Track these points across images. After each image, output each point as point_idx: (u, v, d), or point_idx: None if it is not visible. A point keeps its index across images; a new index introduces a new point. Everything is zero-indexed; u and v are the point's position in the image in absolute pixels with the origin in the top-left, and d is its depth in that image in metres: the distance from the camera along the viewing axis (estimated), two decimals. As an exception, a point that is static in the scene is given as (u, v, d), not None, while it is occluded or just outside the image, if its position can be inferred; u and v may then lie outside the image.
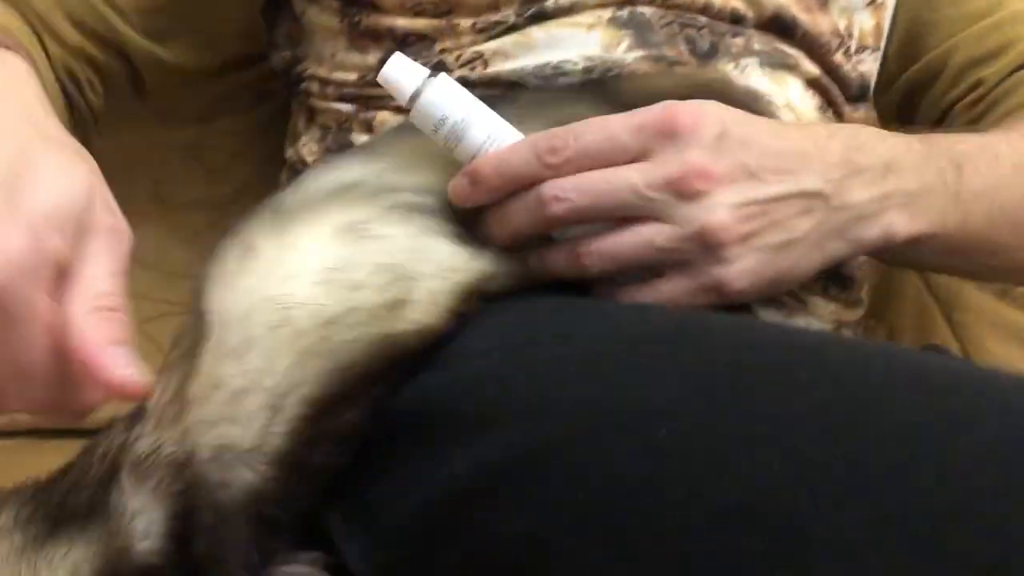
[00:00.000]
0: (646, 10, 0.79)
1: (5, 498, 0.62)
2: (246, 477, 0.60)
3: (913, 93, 0.97)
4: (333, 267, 0.63)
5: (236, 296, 0.63)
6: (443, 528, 0.60)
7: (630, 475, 0.51)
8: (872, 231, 0.68)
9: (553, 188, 0.64)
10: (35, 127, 0.58)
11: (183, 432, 0.61)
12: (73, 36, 0.80)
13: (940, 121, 0.96)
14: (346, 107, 0.83)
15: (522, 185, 0.65)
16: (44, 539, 0.59)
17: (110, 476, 0.61)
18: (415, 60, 0.71)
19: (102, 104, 0.85)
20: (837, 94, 0.88)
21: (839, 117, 0.89)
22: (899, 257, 0.75)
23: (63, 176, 0.53)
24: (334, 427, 0.63)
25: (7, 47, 0.68)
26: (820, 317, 0.81)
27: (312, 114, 0.88)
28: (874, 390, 0.50)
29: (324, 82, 0.85)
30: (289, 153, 0.91)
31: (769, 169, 0.66)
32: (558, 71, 0.77)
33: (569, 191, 0.63)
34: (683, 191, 0.63)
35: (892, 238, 0.69)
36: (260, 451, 0.61)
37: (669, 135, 0.63)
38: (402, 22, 0.80)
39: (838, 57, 0.86)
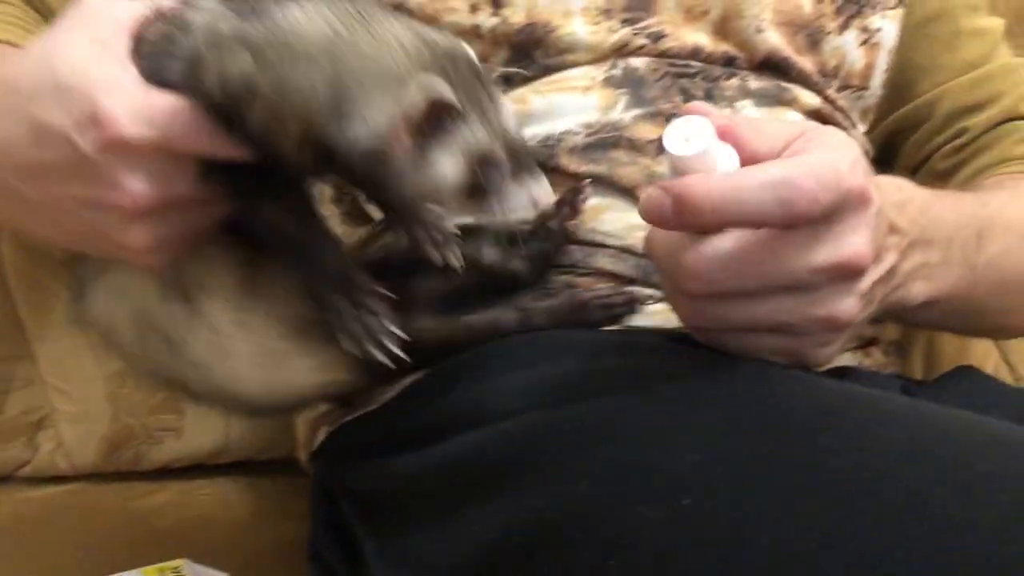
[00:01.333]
0: (638, 63, 0.80)
1: None
2: None
3: (898, 134, 0.97)
4: None
5: None
6: None
7: (656, 544, 0.53)
8: (895, 296, 0.68)
9: (722, 263, 0.57)
10: None
11: None
12: None
13: (920, 165, 0.97)
14: None
15: (742, 225, 0.57)
16: None
17: None
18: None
19: None
20: (842, 119, 0.88)
21: None
22: (899, 315, 0.74)
23: None
24: None
25: None
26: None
27: None
28: (894, 459, 0.51)
29: None
30: None
31: (884, 247, 0.63)
32: (561, 143, 0.78)
33: (732, 270, 0.58)
34: (841, 276, 0.59)
35: (908, 304, 0.69)
36: None
37: (862, 206, 0.58)
38: None
39: (831, 93, 0.87)
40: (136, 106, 0.60)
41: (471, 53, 0.61)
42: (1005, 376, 1.16)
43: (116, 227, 0.64)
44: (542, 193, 0.59)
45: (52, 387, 1.07)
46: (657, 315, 0.77)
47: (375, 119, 0.57)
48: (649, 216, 0.57)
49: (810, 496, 0.51)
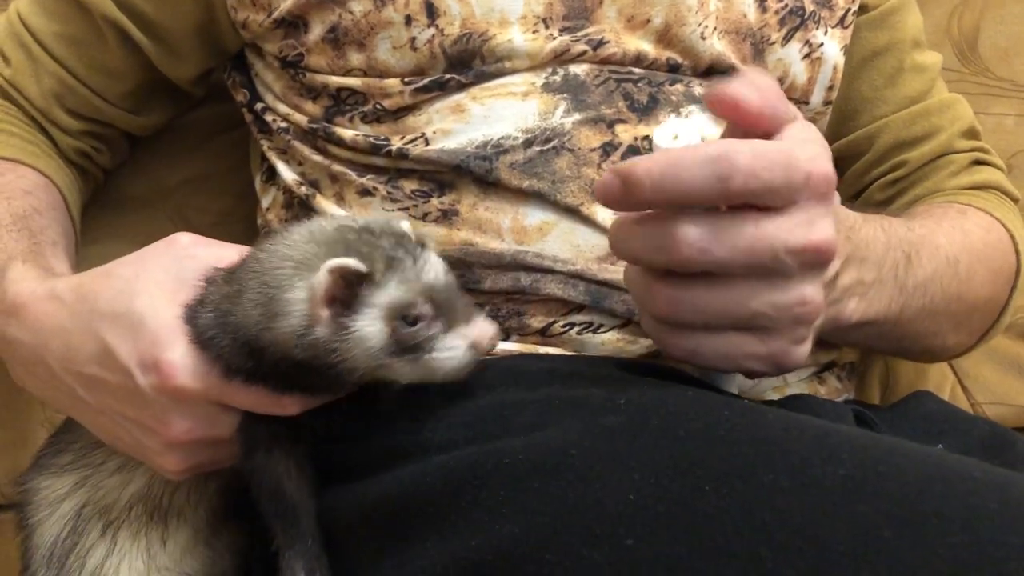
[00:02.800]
0: (579, 69, 0.79)
1: None
2: None
3: (839, 161, 0.96)
4: None
5: None
6: None
7: None
8: (833, 311, 0.67)
9: (699, 237, 0.57)
10: None
11: None
12: (72, 123, 0.93)
13: (859, 194, 0.98)
14: (307, 150, 0.84)
15: (683, 202, 0.57)
16: None
17: None
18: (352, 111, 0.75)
19: (110, 161, 1.00)
20: None
21: None
22: (831, 334, 0.73)
23: None
24: None
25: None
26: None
27: (273, 173, 0.90)
28: (840, 498, 0.50)
29: (284, 118, 0.86)
30: (259, 222, 0.94)
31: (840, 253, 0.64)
32: (499, 148, 0.77)
33: (713, 243, 0.57)
34: (811, 261, 0.58)
35: (841, 322, 0.68)
36: None
37: (825, 198, 0.58)
38: (335, 80, 0.81)
39: None
40: (196, 358, 0.65)
41: (401, 225, 0.64)
42: (961, 401, 1.16)
43: (155, 449, 0.69)
44: (480, 335, 0.60)
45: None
46: (607, 345, 0.76)
47: (294, 305, 0.61)
48: (601, 198, 0.59)
49: (754, 537, 0.49)
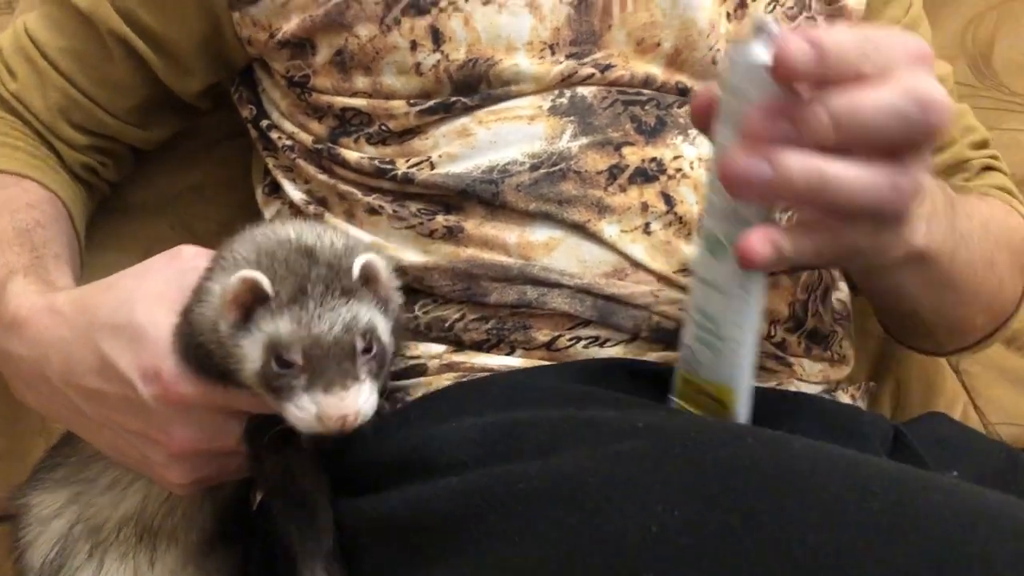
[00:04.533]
0: (586, 91, 0.78)
1: None
2: None
3: None
4: None
5: None
6: None
7: None
8: (905, 233, 0.63)
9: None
10: None
11: None
12: (78, 137, 0.92)
13: None
14: (312, 169, 0.84)
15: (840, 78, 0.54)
16: None
17: None
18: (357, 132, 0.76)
19: (116, 174, 0.99)
20: None
21: None
22: (883, 278, 0.71)
23: None
24: None
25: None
26: (810, 378, 0.80)
27: (276, 187, 0.89)
28: (876, 537, 0.47)
29: (289, 136, 0.86)
30: None
31: None
32: (505, 173, 0.76)
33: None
34: (924, 65, 0.56)
35: (910, 246, 0.65)
36: None
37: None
38: (340, 100, 0.80)
39: None
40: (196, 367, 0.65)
41: (355, 262, 0.61)
42: (973, 420, 1.14)
43: (159, 461, 0.69)
44: (328, 410, 0.58)
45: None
46: None
47: (213, 296, 0.62)
48: (784, 60, 0.53)
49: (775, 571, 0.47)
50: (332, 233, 0.65)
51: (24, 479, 1.00)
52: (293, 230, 0.64)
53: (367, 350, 0.59)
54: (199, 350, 0.63)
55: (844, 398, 0.85)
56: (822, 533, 0.47)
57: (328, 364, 0.58)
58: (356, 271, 0.61)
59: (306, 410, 0.58)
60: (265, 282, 0.59)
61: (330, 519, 0.66)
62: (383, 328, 0.62)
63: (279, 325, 0.59)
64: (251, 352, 0.60)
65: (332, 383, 0.58)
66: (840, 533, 0.47)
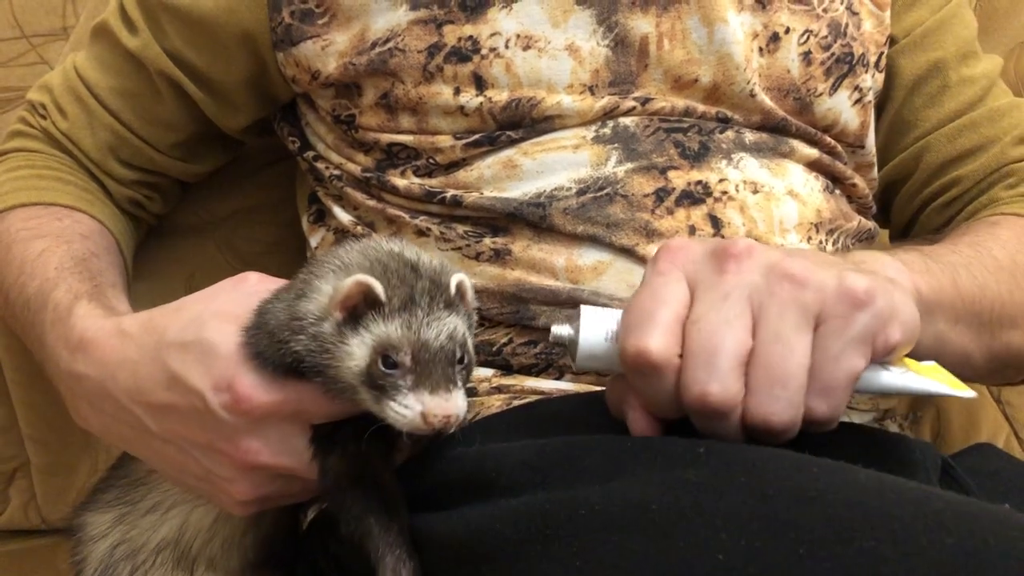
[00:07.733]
0: (628, 121, 0.79)
1: None
2: None
3: (887, 189, 0.96)
4: None
5: None
6: None
7: None
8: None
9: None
10: None
11: None
12: (125, 173, 0.95)
13: (912, 219, 0.96)
14: (360, 196, 0.85)
15: None
16: None
17: None
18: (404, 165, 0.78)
19: (162, 207, 1.01)
20: (842, 169, 0.86)
21: (848, 194, 0.88)
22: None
23: None
24: None
25: None
26: (860, 405, 0.80)
27: (321, 215, 0.90)
28: (948, 570, 0.46)
29: (336, 167, 0.87)
30: (309, 256, 0.93)
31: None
32: (553, 198, 0.77)
33: None
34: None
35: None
36: None
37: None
38: (387, 136, 0.82)
39: (829, 141, 0.85)
40: (268, 376, 0.65)
41: (452, 278, 0.65)
42: (1016, 451, 1.12)
43: (224, 475, 0.68)
44: (433, 409, 0.61)
45: (28, 437, 1.04)
46: None
47: (321, 294, 0.64)
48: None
49: None
50: (424, 252, 0.68)
51: (71, 495, 1.03)
52: (396, 245, 0.67)
53: (460, 360, 0.63)
54: (279, 345, 0.64)
55: (892, 427, 0.85)
56: (895, 566, 0.46)
57: (434, 368, 0.62)
58: (453, 287, 0.64)
59: (411, 408, 0.61)
60: (379, 288, 0.62)
61: (407, 512, 0.67)
62: (471, 342, 0.66)
63: (390, 329, 0.62)
64: (357, 351, 0.62)
65: (438, 385, 0.62)
66: (914, 567, 0.46)
